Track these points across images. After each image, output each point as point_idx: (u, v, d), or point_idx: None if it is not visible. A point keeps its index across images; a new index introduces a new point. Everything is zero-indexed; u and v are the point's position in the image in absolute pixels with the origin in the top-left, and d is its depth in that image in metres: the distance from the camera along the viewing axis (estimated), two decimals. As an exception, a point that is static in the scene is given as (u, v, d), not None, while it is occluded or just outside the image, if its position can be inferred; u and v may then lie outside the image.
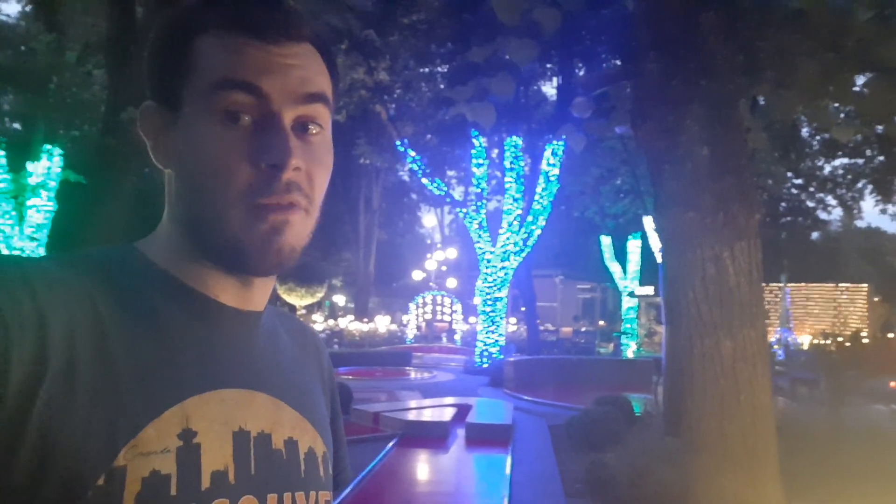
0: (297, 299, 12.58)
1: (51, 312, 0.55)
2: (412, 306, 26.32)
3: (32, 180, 14.80)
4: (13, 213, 14.98)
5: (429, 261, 34.71)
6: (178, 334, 0.62)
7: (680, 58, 3.49)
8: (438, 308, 27.28)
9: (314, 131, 0.65)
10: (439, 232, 42.30)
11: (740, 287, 3.52)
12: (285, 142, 0.61)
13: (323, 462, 0.71)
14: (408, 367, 17.46)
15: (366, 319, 27.76)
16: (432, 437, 8.06)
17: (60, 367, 0.54)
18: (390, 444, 7.54)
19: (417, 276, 34.14)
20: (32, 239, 15.08)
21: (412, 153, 16.28)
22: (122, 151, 10.71)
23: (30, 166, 14.53)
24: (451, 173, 24.62)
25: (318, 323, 24.88)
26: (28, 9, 20.72)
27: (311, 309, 19.34)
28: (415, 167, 16.67)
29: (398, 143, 16.22)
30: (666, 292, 3.96)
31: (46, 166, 14.72)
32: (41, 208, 15.57)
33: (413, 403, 10.17)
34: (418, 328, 26.48)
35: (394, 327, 27.92)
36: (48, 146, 14.62)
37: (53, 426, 0.53)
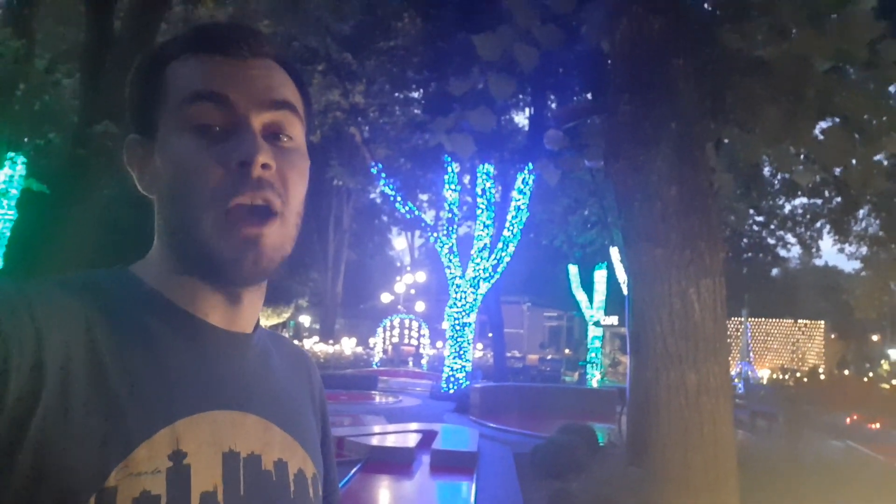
0: (264, 319, 12.34)
1: (48, 332, 0.56)
2: (379, 329, 26.14)
3: (-9, 189, 14.49)
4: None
5: (398, 283, 34.57)
6: (170, 356, 0.63)
7: (651, 101, 3.64)
8: (406, 332, 27.12)
9: (285, 140, 0.67)
10: (409, 255, 42.29)
11: (705, 322, 3.64)
12: (252, 140, 0.63)
13: (312, 484, 0.72)
14: (373, 391, 17.27)
15: (331, 341, 27.46)
16: (397, 462, 7.98)
17: (56, 386, 0.55)
18: (354, 469, 7.45)
19: (386, 298, 33.95)
20: (-10, 249, 14.66)
21: (385, 176, 16.35)
22: (93, 163, 10.51)
23: (-8, 175, 14.22)
24: (423, 197, 24.74)
25: (283, 343, 24.44)
26: (-2, 14, 20.38)
27: (276, 329, 19.07)
28: (388, 190, 16.74)
29: (371, 165, 16.28)
30: (632, 324, 4.06)
31: (9, 174, 14.43)
32: (1, 217, 15.20)
33: (378, 428, 10.07)
34: (385, 352, 26.27)
35: (360, 350, 27.64)
36: (11, 154, 14.32)
37: (48, 444, 0.54)
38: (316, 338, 28.21)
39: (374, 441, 8.76)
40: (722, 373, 3.71)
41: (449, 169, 16.49)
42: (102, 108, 10.33)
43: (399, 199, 16.61)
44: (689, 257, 3.57)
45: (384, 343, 26.34)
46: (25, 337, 0.55)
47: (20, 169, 14.17)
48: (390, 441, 9.04)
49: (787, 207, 23.95)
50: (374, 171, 16.17)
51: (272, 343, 0.78)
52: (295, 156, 0.67)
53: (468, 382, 15.89)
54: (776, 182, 19.35)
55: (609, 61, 4.36)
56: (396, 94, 16.15)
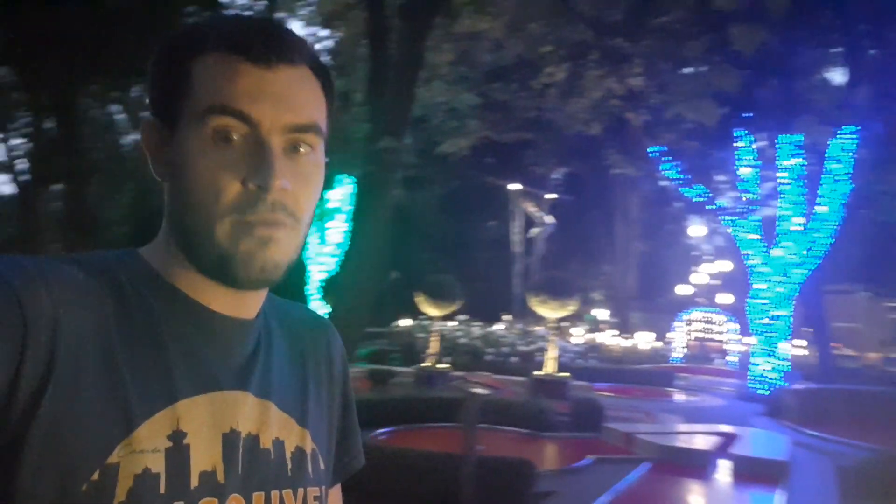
0: (550, 311, 12.62)
1: (64, 312, 0.59)
2: (678, 323, 24.72)
3: (329, 206, 17.94)
4: (317, 233, 18.62)
5: (697, 274, 32.26)
6: (173, 339, 0.66)
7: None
8: (709, 326, 25.17)
9: (304, 150, 0.67)
10: (708, 243, 39.11)
11: None
12: (272, 165, 0.63)
13: (312, 459, 0.74)
14: (670, 388, 16.39)
15: (626, 335, 26.80)
16: (690, 465, 7.44)
17: (69, 366, 0.58)
18: (643, 467, 7.14)
19: (684, 290, 31.96)
20: (332, 255, 18.15)
21: (670, 159, 15.35)
22: (379, 177, 11.72)
23: (328, 194, 17.61)
24: (718, 178, 22.61)
25: (576, 336, 24.66)
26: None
27: (565, 321, 19.32)
28: (672, 175, 15.70)
29: (654, 150, 15.43)
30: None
31: (342, 193, 17.64)
32: (337, 229, 18.66)
33: (674, 427, 9.52)
34: (686, 347, 24.73)
35: (659, 345, 26.43)
36: (342, 176, 17.31)
37: (58, 420, 0.57)
38: (613, 331, 27.77)
39: (666, 440, 8.29)
40: None
41: (742, 144, 14.77)
42: (382, 125, 11.51)
43: (687, 182, 15.46)
44: None
45: (685, 338, 24.82)
46: (43, 319, 0.58)
47: (350, 188, 16.85)
48: (684, 441, 8.48)
49: None
50: (654, 155, 15.32)
51: (285, 317, 0.79)
52: (310, 169, 0.68)
53: (785, 383, 14.05)
54: None
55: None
56: (677, 72, 15.03)
